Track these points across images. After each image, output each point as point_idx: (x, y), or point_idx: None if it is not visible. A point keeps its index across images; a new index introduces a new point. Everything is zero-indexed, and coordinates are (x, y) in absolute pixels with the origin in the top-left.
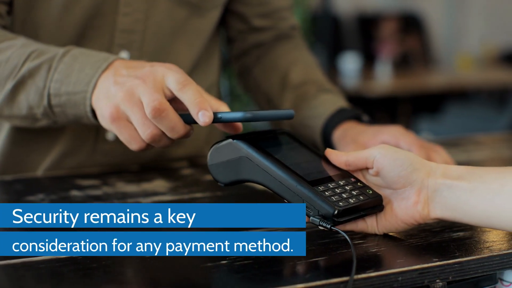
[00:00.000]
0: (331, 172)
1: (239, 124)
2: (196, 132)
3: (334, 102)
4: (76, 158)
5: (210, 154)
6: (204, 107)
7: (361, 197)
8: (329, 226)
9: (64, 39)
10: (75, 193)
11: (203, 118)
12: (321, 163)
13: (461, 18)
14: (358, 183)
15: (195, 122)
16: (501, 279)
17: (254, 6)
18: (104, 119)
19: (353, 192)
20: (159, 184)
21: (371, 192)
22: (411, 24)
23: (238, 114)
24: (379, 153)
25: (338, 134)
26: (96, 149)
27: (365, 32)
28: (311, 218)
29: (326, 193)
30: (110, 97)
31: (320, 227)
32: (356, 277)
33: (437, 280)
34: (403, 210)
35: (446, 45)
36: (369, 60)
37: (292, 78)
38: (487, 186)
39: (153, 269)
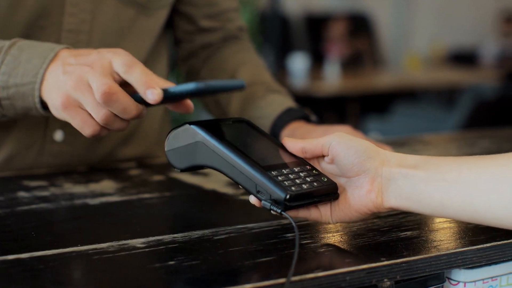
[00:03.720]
0: (286, 160)
1: (190, 104)
2: (146, 132)
3: (282, 102)
4: (23, 159)
5: (168, 140)
6: (151, 85)
7: (315, 184)
8: (279, 211)
9: (10, 39)
10: (22, 194)
11: (152, 96)
12: (278, 151)
13: (410, 19)
14: (314, 171)
15: (146, 103)
16: (449, 278)
17: (202, 7)
18: (55, 108)
19: (307, 178)
20: (107, 185)
21: (326, 179)
22: (359, 25)
23: (190, 85)
24: (334, 140)
25: (286, 134)
26: (44, 150)
27: (314, 33)
28: (262, 202)
29: (279, 178)
30: (60, 86)
31: (271, 211)
32: (303, 277)
33: (385, 280)
34: (357, 199)
35: (394, 45)
36: (317, 60)
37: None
38: (443, 175)
39: (100, 270)
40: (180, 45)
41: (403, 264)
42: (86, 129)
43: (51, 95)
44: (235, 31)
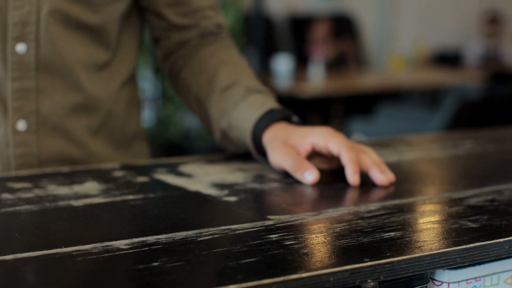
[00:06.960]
0: None
1: None
2: (113, 125)
3: (264, 103)
4: None
5: None
6: None
7: None
8: None
9: None
10: (6, 196)
11: None
12: None
13: (394, 20)
14: None
15: None
16: (432, 279)
17: (171, 6)
18: None
19: None
20: (90, 186)
21: None
22: (343, 26)
23: None
24: None
25: (268, 136)
26: (9, 141)
27: (298, 34)
28: None
29: None
30: None
31: None
32: (287, 277)
33: (369, 280)
34: None
35: (378, 46)
36: (302, 61)
37: (220, 79)
38: None
39: (85, 271)
40: (158, 43)
41: (387, 265)
42: None
43: None
44: (212, 28)
